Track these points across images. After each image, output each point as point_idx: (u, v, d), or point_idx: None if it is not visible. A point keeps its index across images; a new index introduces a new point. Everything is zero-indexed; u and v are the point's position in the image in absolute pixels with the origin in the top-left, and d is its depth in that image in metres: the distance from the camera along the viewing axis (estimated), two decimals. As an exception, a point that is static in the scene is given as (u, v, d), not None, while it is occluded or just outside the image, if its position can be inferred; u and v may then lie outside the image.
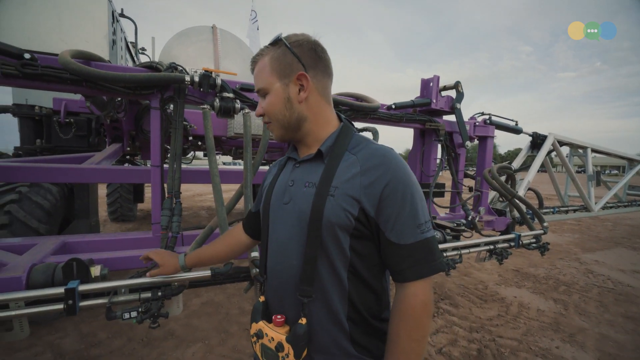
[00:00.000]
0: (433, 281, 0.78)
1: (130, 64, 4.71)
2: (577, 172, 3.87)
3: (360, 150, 0.81)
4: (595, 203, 3.79)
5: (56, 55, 1.57)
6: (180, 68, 1.83)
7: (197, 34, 4.26)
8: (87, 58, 1.73)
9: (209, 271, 1.42)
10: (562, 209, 3.62)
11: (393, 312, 0.78)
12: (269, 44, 0.84)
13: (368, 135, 4.21)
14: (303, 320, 0.76)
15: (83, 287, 1.19)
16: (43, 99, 2.95)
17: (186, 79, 1.69)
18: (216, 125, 3.10)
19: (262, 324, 0.82)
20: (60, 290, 1.15)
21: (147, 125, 3.04)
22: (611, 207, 4.27)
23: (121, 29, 4.06)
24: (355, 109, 2.17)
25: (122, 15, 4.30)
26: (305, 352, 0.77)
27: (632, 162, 4.29)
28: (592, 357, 2.62)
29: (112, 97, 2.15)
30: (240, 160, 7.17)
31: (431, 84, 2.61)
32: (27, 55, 1.49)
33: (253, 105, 1.93)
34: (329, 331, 0.79)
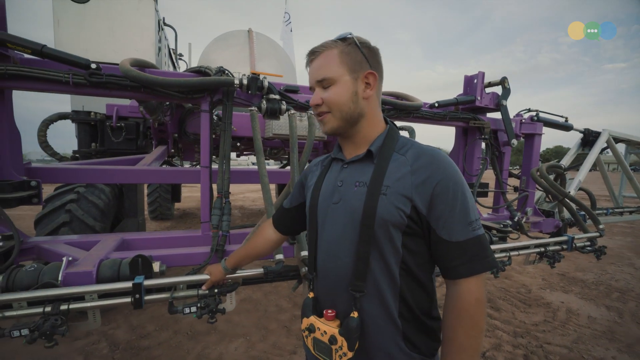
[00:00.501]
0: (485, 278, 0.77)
1: (171, 69, 4.93)
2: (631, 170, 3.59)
3: (407, 151, 0.84)
4: (655, 204, 3.50)
5: (116, 64, 1.68)
6: (227, 72, 1.90)
7: (233, 38, 4.40)
8: (143, 65, 1.83)
9: (262, 269, 1.46)
10: (616, 210, 3.37)
11: (447, 309, 0.79)
12: (337, 39, 0.86)
13: (405, 134, 4.15)
14: (355, 314, 0.80)
15: (148, 282, 1.26)
16: (97, 105, 3.16)
17: (235, 82, 1.74)
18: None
19: (313, 319, 0.85)
20: (129, 284, 1.23)
21: (190, 127, 3.18)
22: (673, 209, 3.91)
23: (165, 37, 4.26)
24: (399, 107, 2.14)
25: (164, 23, 4.52)
26: (357, 345, 0.79)
27: (696, 159, 3.93)
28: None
29: (164, 101, 2.25)
30: (270, 160, 7.30)
31: (475, 81, 2.52)
32: (93, 65, 1.60)
33: (298, 107, 1.96)
34: (380, 327, 0.81)
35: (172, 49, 5.00)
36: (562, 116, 3.01)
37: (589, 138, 3.13)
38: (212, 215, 1.72)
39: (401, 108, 2.17)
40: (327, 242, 0.88)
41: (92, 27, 2.92)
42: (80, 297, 1.23)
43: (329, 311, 0.84)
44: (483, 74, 2.51)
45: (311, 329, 0.84)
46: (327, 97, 0.86)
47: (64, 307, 1.18)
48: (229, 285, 1.38)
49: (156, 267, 1.41)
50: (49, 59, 1.56)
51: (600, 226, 2.48)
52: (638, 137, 3.30)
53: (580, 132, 3.16)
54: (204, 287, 1.31)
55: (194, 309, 1.29)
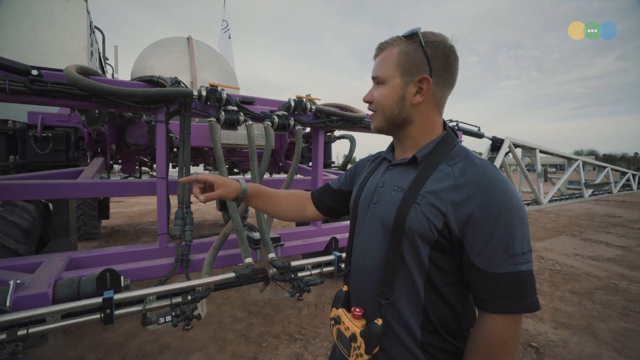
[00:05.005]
0: (521, 319, 0.71)
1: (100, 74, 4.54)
2: (527, 170, 4.39)
3: (457, 163, 0.75)
4: (543, 197, 4.32)
5: (56, 70, 1.59)
6: (183, 83, 1.91)
7: (172, 44, 4.24)
8: (88, 73, 1.75)
9: (233, 273, 1.52)
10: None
11: (470, 340, 0.74)
12: (403, 36, 0.80)
13: (345, 142, 4.41)
14: (379, 321, 0.76)
15: (119, 296, 1.24)
16: (13, 113, 2.79)
17: (194, 94, 1.77)
18: (201, 135, 3.14)
19: (341, 312, 0.86)
20: (98, 300, 1.20)
21: (131, 137, 3.02)
22: (556, 200, 4.87)
23: (96, 40, 3.93)
24: (345, 119, 2.36)
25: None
26: (376, 349, 0.77)
27: (570, 160, 4.95)
28: (549, 327, 3.02)
29: (116, 111, 2.13)
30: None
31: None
32: (34, 72, 1.50)
33: (254, 118, 2.05)
34: (399, 335, 0.78)
35: (100, 53, 4.61)
36: (475, 125, 3.57)
37: (496, 144, 3.76)
38: (174, 225, 1.71)
39: (348, 119, 2.39)
40: (362, 241, 0.87)
41: (9, 24, 2.58)
42: (40, 320, 1.16)
43: (357, 310, 0.83)
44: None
45: (337, 320, 0.85)
46: (375, 97, 0.84)
47: (22, 332, 1.10)
48: (202, 291, 1.41)
49: (120, 282, 1.38)
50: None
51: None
52: (531, 142, 4.07)
53: (489, 139, 3.78)
54: (204, 197, 0.97)
55: (168, 317, 1.31)
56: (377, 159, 0.99)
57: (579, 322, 3.13)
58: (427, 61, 0.77)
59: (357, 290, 0.88)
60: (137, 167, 4.10)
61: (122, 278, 1.38)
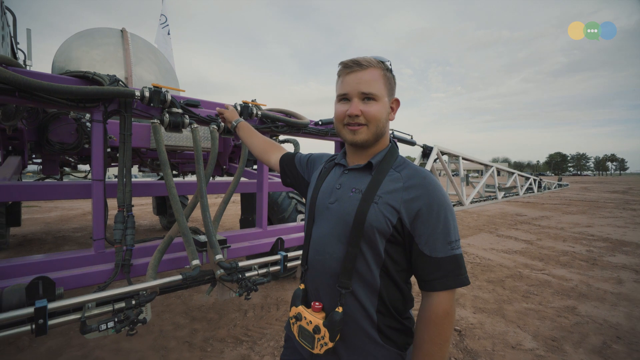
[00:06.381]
0: (457, 293, 0.94)
1: (22, 66, 3.99)
2: (453, 175, 4.95)
3: (403, 169, 0.93)
4: (466, 199, 4.91)
5: None
6: (122, 82, 1.83)
7: (103, 36, 3.94)
8: (7, 64, 1.59)
9: (180, 276, 1.51)
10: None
11: (419, 318, 0.87)
12: (381, 61, 0.94)
13: (289, 145, 4.52)
14: (340, 309, 0.86)
15: (53, 305, 1.17)
16: None
17: (136, 94, 1.72)
18: (138, 136, 2.97)
19: (301, 309, 0.93)
20: (30, 310, 1.13)
21: (55, 135, 2.75)
22: (476, 202, 5.56)
23: (7, 23, 3.46)
24: (290, 125, 2.45)
25: (6, 7, 3.64)
26: (338, 336, 0.87)
27: (487, 166, 5.69)
28: (470, 312, 3.46)
29: (44, 107, 1.93)
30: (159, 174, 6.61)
31: (349, 104, 3.08)
32: (-58, 61, 1.33)
33: (199, 120, 2.04)
34: (358, 320, 0.88)
35: (11, 36, 4.04)
36: (408, 134, 3.94)
37: (426, 151, 4.19)
38: (115, 230, 1.64)
39: (292, 125, 2.49)
40: (319, 239, 0.95)
41: None
42: (-45, 337, 1.05)
43: (317, 303, 0.91)
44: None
45: (298, 317, 0.92)
46: (369, 112, 0.91)
47: None
48: (146, 295, 1.39)
49: (51, 291, 1.29)
50: None
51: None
52: (455, 150, 4.61)
53: (421, 146, 4.19)
54: (217, 109, 1.79)
55: (111, 324, 1.26)
56: (330, 163, 1.10)
57: (493, 306, 3.63)
58: (394, 86, 0.99)
59: (315, 285, 0.96)
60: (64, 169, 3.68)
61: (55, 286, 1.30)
